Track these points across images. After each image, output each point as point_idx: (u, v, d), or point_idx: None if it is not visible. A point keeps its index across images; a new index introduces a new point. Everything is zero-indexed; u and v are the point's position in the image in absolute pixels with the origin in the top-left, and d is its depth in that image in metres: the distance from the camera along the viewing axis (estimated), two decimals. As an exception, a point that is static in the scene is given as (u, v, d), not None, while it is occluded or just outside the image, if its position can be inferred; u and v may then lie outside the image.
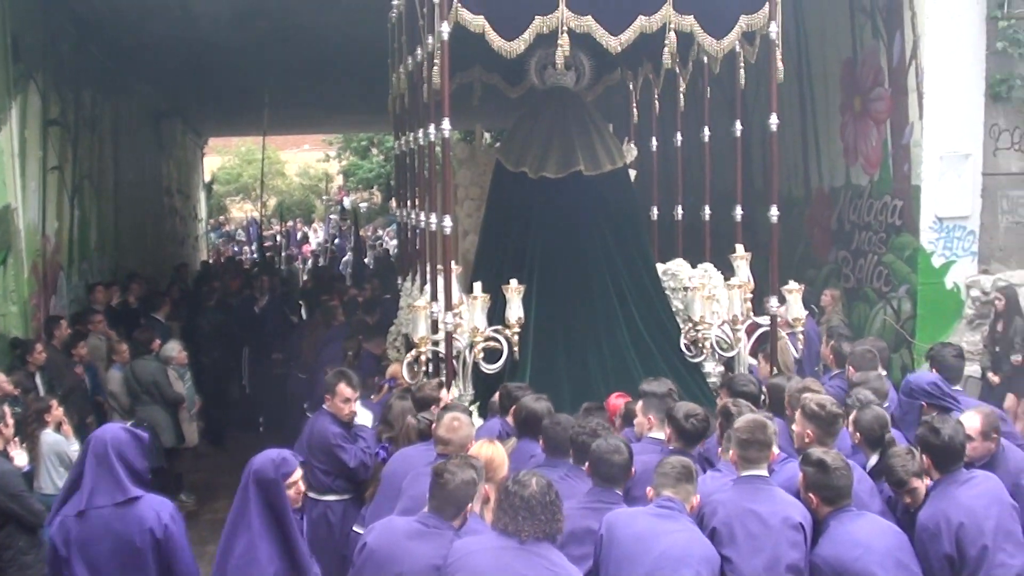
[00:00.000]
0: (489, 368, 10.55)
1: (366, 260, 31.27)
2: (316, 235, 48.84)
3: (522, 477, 6.38)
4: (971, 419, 8.12)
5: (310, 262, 38.05)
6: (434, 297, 10.67)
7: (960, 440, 7.49)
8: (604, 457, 7.29)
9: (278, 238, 42.03)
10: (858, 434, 8.25)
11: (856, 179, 15.97)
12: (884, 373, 10.39)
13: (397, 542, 6.70)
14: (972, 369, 13.65)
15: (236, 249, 43.31)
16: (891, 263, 15.06)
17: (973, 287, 14.38)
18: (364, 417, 10.05)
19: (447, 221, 10.38)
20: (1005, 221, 14.68)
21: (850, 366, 10.41)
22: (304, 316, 21.48)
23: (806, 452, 7.30)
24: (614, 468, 7.27)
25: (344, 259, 36.55)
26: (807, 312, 14.23)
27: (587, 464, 7.47)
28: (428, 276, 11.29)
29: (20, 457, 10.07)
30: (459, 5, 9.87)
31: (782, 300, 11.41)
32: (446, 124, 10.16)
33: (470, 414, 9.16)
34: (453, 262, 10.63)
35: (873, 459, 8.13)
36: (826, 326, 14.39)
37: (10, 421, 10.10)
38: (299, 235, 48.24)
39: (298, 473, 6.96)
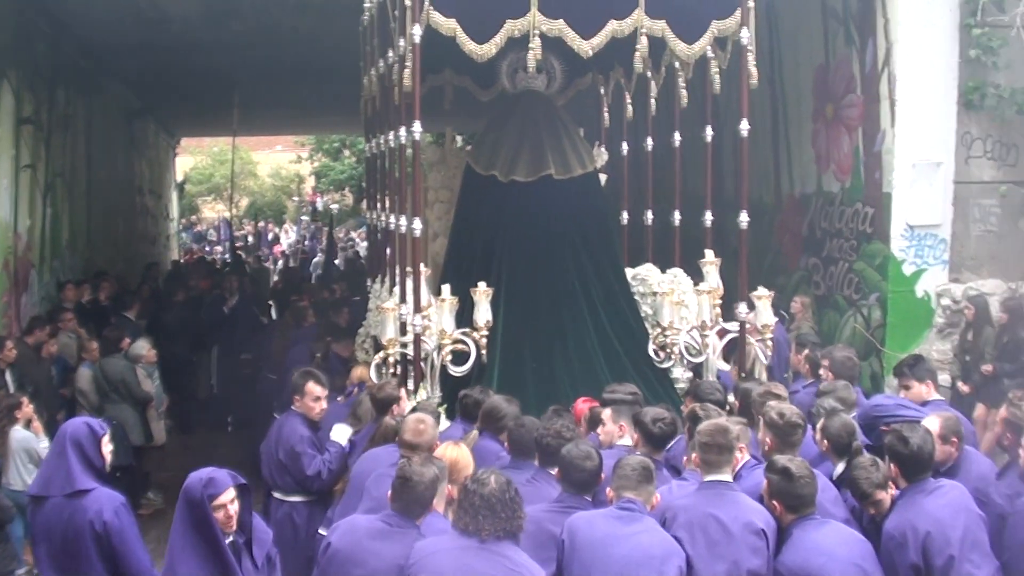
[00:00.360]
0: (457, 371, 10.54)
1: (336, 262, 31.17)
2: (287, 236, 48.73)
3: (481, 476, 6.38)
4: (930, 423, 8.13)
5: (280, 263, 37.95)
6: (403, 299, 10.64)
7: (928, 450, 7.48)
8: (575, 463, 7.26)
9: (249, 239, 41.95)
10: (825, 441, 8.25)
11: (828, 186, 15.98)
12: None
13: (360, 542, 6.72)
14: (942, 378, 13.66)
15: (207, 249, 43.19)
16: (862, 271, 15.06)
17: (944, 296, 14.39)
18: (341, 434, 9.94)
19: (416, 223, 10.37)
20: (976, 230, 14.68)
21: (830, 373, 10.42)
22: (274, 316, 21.42)
23: (771, 459, 7.29)
24: (584, 474, 7.24)
25: (315, 260, 36.51)
26: (777, 319, 14.29)
27: (557, 469, 7.46)
28: (397, 278, 11.26)
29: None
30: (431, 8, 9.87)
31: (751, 306, 11.42)
32: (416, 127, 10.18)
33: (438, 416, 9.16)
34: (422, 264, 10.64)
35: (840, 467, 8.12)
36: (796, 333, 14.41)
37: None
38: (270, 236, 48.11)
39: (227, 495, 6.65)
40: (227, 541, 6.63)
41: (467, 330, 10.61)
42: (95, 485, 7.40)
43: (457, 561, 6.16)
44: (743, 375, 10.96)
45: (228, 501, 6.63)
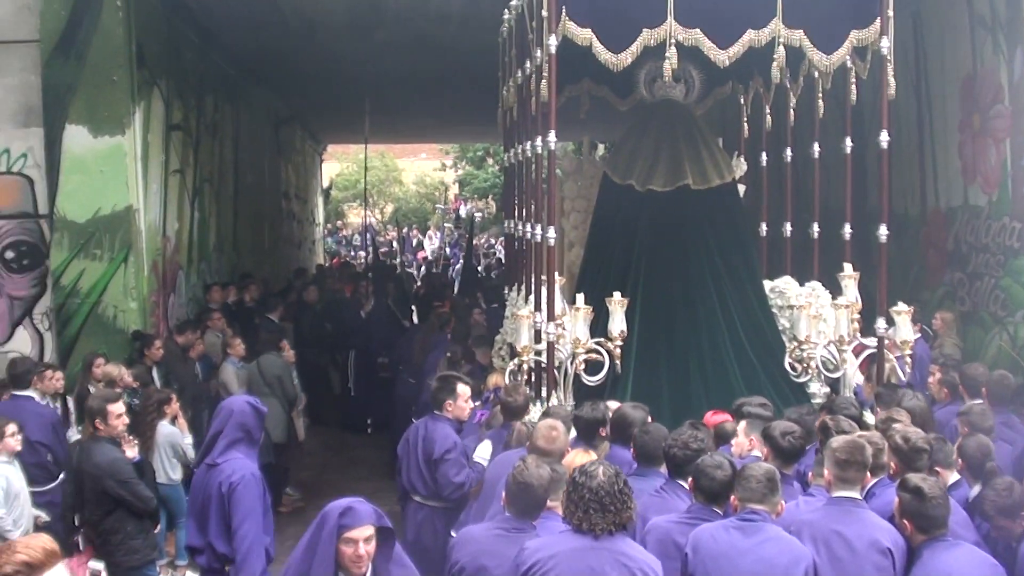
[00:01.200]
0: (591, 380, 10.55)
1: (479, 269, 31.33)
2: (431, 242, 49.13)
3: (589, 468, 6.37)
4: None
5: (423, 268, 38.26)
6: (537, 307, 10.69)
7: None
8: (706, 471, 7.20)
9: (394, 244, 42.34)
10: (960, 461, 8.11)
11: (974, 199, 15.63)
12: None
13: (483, 552, 6.79)
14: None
15: (352, 254, 43.72)
16: (1008, 287, 14.70)
17: (1093, 312, 14.06)
18: (485, 451, 9.97)
19: (551, 232, 10.41)
20: None
21: (970, 393, 10.24)
22: (416, 321, 21.63)
23: (904, 477, 7.12)
24: (715, 484, 7.15)
25: (457, 266, 36.74)
26: (919, 334, 14.04)
27: (690, 479, 7.41)
28: (532, 287, 11.31)
29: (131, 450, 10.34)
30: (567, 18, 9.92)
31: (890, 321, 11.23)
32: (552, 137, 10.24)
33: (570, 421, 9.11)
34: (556, 273, 10.66)
35: (976, 489, 7.99)
36: (938, 351, 14.16)
37: (123, 418, 10.34)
38: (414, 242, 48.55)
39: (362, 531, 6.06)
40: None
41: (601, 340, 10.62)
42: (238, 455, 8.03)
43: (576, 564, 6.17)
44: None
45: (362, 538, 6.06)
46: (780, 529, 6.85)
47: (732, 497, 7.06)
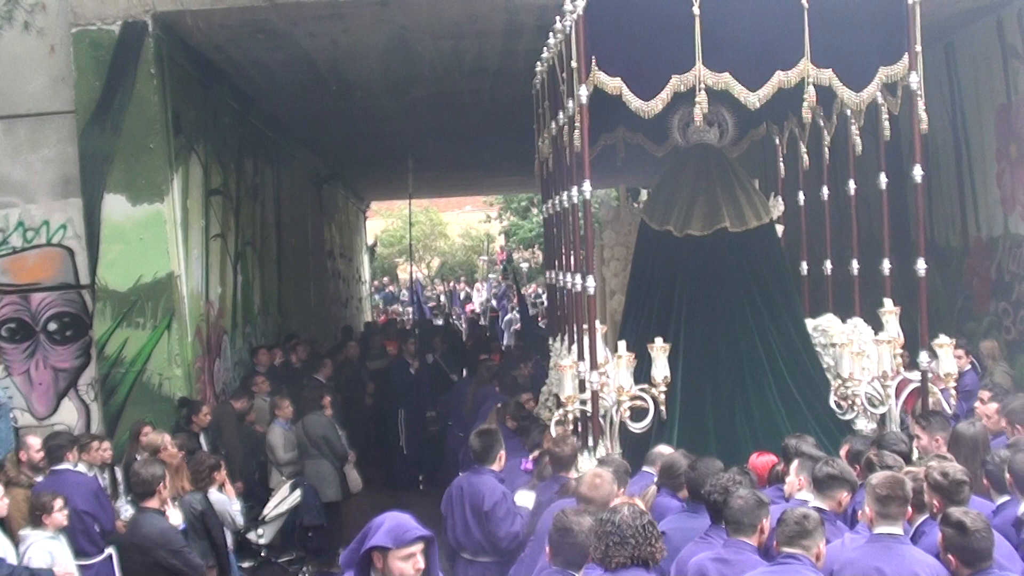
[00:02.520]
0: (636, 427, 10.55)
1: (539, 320, 31.23)
2: (479, 295, 49.18)
3: (616, 507, 6.38)
4: None
5: (468, 322, 38.24)
6: (580, 356, 10.70)
7: None
8: (728, 502, 7.28)
9: (441, 298, 42.37)
10: (1009, 476, 8.07)
11: (1015, 228, 15.59)
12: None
13: None
14: None
15: (400, 310, 43.79)
16: (1053, 314, 14.68)
17: None
18: (526, 499, 10.01)
19: (591, 281, 10.44)
20: None
21: (1014, 423, 10.16)
22: (465, 374, 21.65)
23: (946, 512, 7.07)
24: (736, 512, 7.21)
25: (507, 318, 36.72)
26: (969, 367, 13.96)
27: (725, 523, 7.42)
28: (575, 336, 11.34)
29: (175, 516, 10.41)
30: (597, 68, 10.00)
31: (933, 355, 11.18)
32: (587, 186, 10.30)
33: (627, 471, 9.09)
34: (598, 321, 10.68)
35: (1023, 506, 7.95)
36: (989, 379, 14.09)
37: (168, 483, 10.42)
38: (462, 295, 48.63)
39: (411, 548, 5.96)
40: None
41: (645, 386, 10.63)
42: None
43: None
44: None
45: (416, 552, 5.97)
46: (813, 571, 6.82)
47: (775, 542, 7.05)
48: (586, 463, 9.88)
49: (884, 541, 7.03)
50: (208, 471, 12.03)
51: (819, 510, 7.74)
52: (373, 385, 20.23)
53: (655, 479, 9.23)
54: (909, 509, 7.33)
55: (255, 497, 14.51)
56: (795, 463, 8.78)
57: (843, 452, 9.45)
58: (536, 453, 11.10)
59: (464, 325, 36.14)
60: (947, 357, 11.15)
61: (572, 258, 11.74)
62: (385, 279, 54.14)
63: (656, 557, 6.43)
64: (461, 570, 10.03)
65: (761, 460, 9.48)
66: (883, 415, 11.38)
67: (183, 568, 9.91)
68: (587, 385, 10.33)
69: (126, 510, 11.89)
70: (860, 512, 7.93)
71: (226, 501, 12.17)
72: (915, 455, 9.57)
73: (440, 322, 35.12)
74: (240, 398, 15.24)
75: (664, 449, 9.79)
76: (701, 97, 10.02)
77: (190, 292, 14.84)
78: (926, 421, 10.00)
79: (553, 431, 10.54)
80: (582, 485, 8.13)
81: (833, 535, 7.49)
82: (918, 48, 10.64)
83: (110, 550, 11.12)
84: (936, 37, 15.35)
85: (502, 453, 10.16)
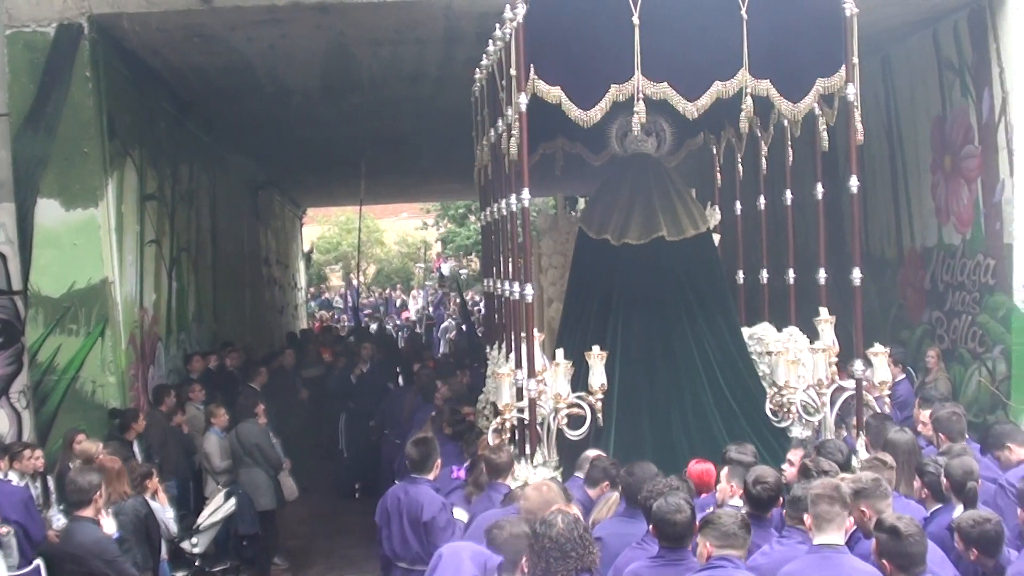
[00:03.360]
0: (573, 434, 10.55)
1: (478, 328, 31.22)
2: (415, 302, 49.06)
3: (549, 517, 6.36)
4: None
5: (405, 329, 38.17)
6: (518, 365, 10.70)
7: None
8: (666, 517, 7.22)
9: (380, 308, 42.24)
10: (946, 481, 8.15)
11: (948, 238, 15.75)
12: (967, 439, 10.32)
13: None
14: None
15: (336, 317, 43.65)
16: (985, 323, 14.80)
17: (1069, 346, 14.12)
18: (462, 515, 9.97)
19: (529, 289, 10.44)
20: (1100, 278, 14.36)
21: (938, 433, 10.27)
22: (400, 383, 21.59)
23: (879, 518, 7.13)
24: (677, 527, 7.17)
25: (443, 326, 36.67)
26: (904, 375, 14.12)
27: (651, 526, 7.44)
28: (512, 344, 11.34)
29: (109, 525, 10.29)
30: (536, 77, 10.00)
31: (867, 363, 11.28)
32: (525, 194, 10.30)
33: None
34: (536, 329, 10.68)
35: (959, 509, 8.01)
36: (930, 387, 14.29)
37: (103, 492, 10.30)
38: (398, 303, 48.51)
39: None
40: None
41: (582, 394, 10.63)
42: None
43: None
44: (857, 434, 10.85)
45: None
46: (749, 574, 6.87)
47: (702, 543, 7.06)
48: (523, 471, 9.89)
49: (822, 552, 7.03)
50: (140, 479, 11.91)
51: (750, 515, 7.82)
52: (307, 392, 20.12)
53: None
54: (849, 519, 7.33)
55: (188, 506, 14.41)
56: (726, 470, 8.86)
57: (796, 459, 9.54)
58: (469, 461, 11.12)
59: (404, 332, 36.05)
60: (881, 365, 11.27)
61: (510, 266, 11.75)
62: (322, 286, 54.01)
63: (596, 564, 6.42)
64: (396, 579, 10.01)
65: (699, 468, 9.52)
66: (818, 423, 11.47)
67: (116, 577, 9.82)
68: (525, 393, 10.31)
69: (58, 519, 11.72)
70: (785, 514, 8.00)
71: (159, 509, 12.04)
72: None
73: (375, 327, 35.08)
74: (161, 401, 15.02)
75: (592, 453, 9.84)
76: (640, 107, 10.04)
77: (124, 298, 14.65)
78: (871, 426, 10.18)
79: (490, 439, 10.55)
80: (528, 499, 8.11)
81: (763, 540, 7.55)
82: (855, 60, 10.72)
83: (38, 561, 10.94)
84: (873, 50, 15.49)
85: (438, 462, 10.14)
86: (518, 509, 8.15)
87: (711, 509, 8.30)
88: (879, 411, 11.26)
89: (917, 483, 8.79)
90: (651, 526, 7.45)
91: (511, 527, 6.79)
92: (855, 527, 7.59)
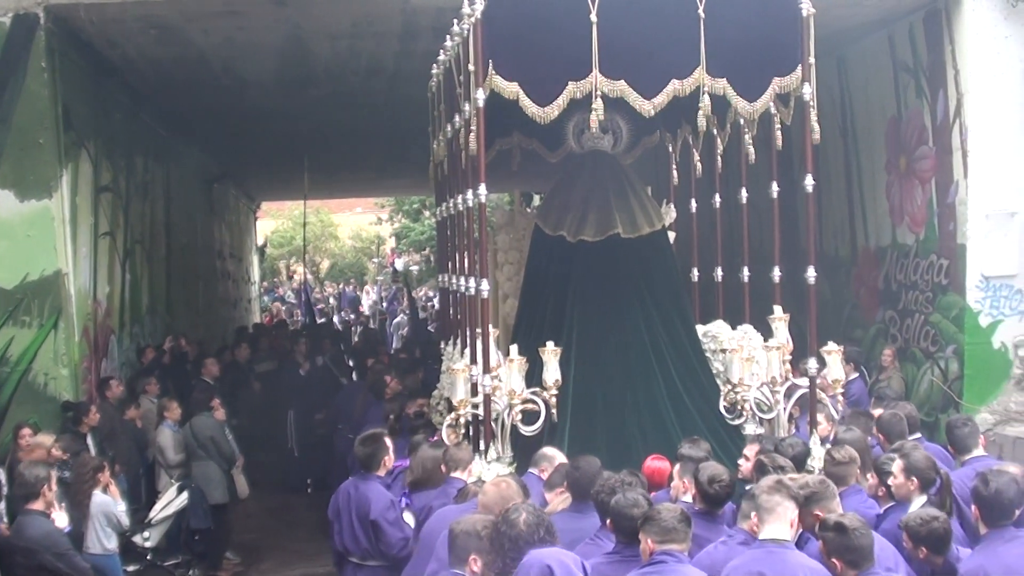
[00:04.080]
0: (527, 430, 10.54)
1: (429, 325, 31.20)
2: (368, 297, 48.96)
3: (511, 516, 6.34)
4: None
5: (360, 324, 38.06)
6: (473, 360, 10.69)
7: (1011, 495, 7.34)
8: (623, 512, 7.23)
9: (332, 300, 42.10)
10: (914, 478, 8.20)
11: (902, 238, 15.88)
12: (919, 436, 10.39)
13: None
14: (1020, 430, 13.52)
15: (291, 315, 43.50)
16: (938, 323, 14.94)
17: (1021, 347, 14.24)
18: (410, 519, 9.96)
19: (484, 285, 10.44)
20: (1054, 280, 14.50)
21: (880, 434, 10.36)
22: (354, 378, 21.54)
23: (823, 519, 7.15)
24: (633, 523, 7.14)
25: (396, 321, 36.60)
26: (857, 374, 14.20)
27: (609, 520, 7.44)
28: (467, 340, 11.33)
29: (61, 518, 10.22)
30: (494, 72, 9.99)
31: (821, 362, 11.33)
32: (482, 190, 10.28)
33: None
34: (491, 325, 10.67)
35: (919, 500, 8.08)
36: (887, 384, 14.41)
37: (54, 485, 10.23)
38: (351, 297, 48.37)
39: None
40: None
41: (536, 389, 10.62)
42: None
43: None
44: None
45: None
46: (694, 570, 6.87)
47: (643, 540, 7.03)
48: (477, 466, 9.88)
49: (767, 546, 6.98)
50: (92, 473, 11.82)
51: (704, 512, 7.85)
52: (260, 385, 20.05)
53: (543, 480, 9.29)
54: (795, 516, 7.25)
55: (139, 500, 14.33)
56: (678, 466, 8.88)
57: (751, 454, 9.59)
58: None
59: (359, 327, 35.98)
60: (835, 364, 11.32)
61: (466, 261, 11.74)
62: (275, 280, 53.79)
63: None
64: (350, 574, 9.97)
65: (653, 464, 9.55)
66: (771, 420, 11.52)
67: (67, 571, 9.74)
68: (479, 388, 10.30)
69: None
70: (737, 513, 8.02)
71: (111, 503, 11.95)
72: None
73: (323, 320, 35.01)
74: (108, 388, 14.92)
75: (549, 451, 9.80)
76: (597, 104, 10.03)
77: (78, 291, 14.57)
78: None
79: (445, 435, 10.54)
80: (486, 490, 8.11)
81: (715, 535, 7.58)
82: (811, 60, 10.74)
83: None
84: (829, 50, 15.56)
85: (387, 458, 10.09)
86: (476, 505, 8.16)
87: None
88: (831, 410, 11.30)
89: (873, 480, 8.84)
90: (608, 521, 7.44)
91: (466, 524, 6.77)
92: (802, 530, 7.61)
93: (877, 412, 11.38)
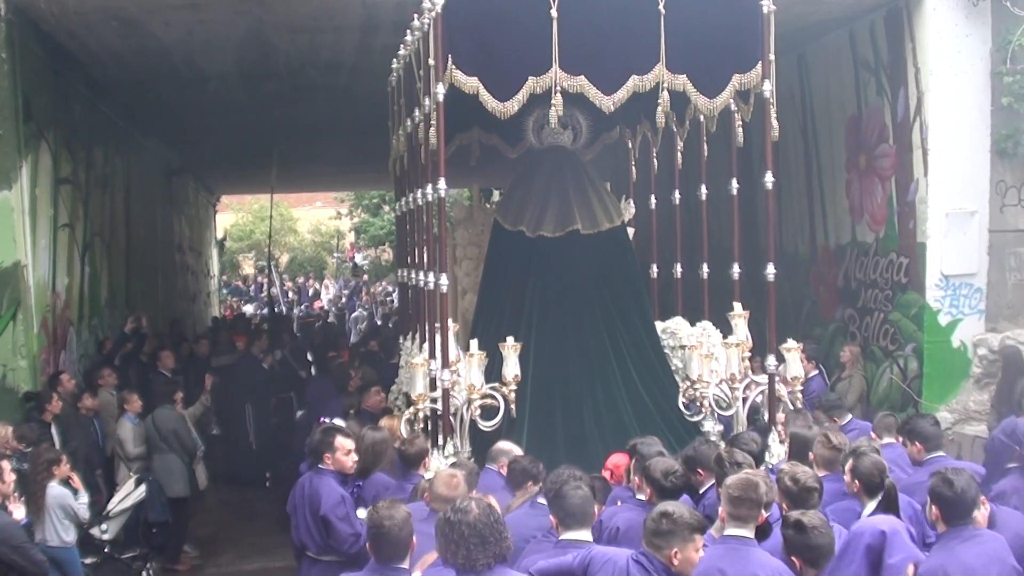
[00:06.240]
0: (486, 425, 10.54)
1: (376, 319, 31.22)
2: (327, 292, 48.82)
3: (461, 504, 6.30)
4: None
5: (320, 319, 37.97)
6: (432, 355, 10.67)
7: (972, 495, 7.38)
8: (564, 493, 7.31)
9: (290, 294, 41.96)
10: (856, 482, 8.22)
11: (862, 236, 15.92)
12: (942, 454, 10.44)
13: None
14: (979, 429, 13.57)
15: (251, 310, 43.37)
16: (897, 321, 14.98)
17: (980, 346, 14.30)
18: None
19: (443, 280, 10.44)
20: (1013, 278, 14.54)
21: (872, 433, 10.43)
22: (313, 372, 21.49)
23: (785, 515, 7.20)
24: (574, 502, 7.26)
25: (355, 315, 36.56)
26: (816, 371, 14.25)
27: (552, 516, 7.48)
28: (426, 334, 11.31)
29: (18, 511, 10.15)
30: (454, 67, 9.98)
31: (780, 359, 11.37)
32: (442, 184, 10.28)
33: (477, 474, 9.09)
34: (450, 320, 10.66)
35: (871, 506, 8.08)
36: (848, 382, 14.50)
37: (9, 477, 10.15)
38: (311, 292, 48.23)
39: None
40: None
41: (496, 385, 10.63)
42: None
43: None
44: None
45: None
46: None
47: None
48: (436, 461, 9.87)
49: (729, 543, 6.98)
50: (46, 465, 11.67)
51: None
52: (217, 379, 19.93)
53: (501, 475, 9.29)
54: (762, 511, 7.27)
55: (97, 492, 14.23)
56: (633, 462, 8.91)
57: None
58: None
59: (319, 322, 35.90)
60: (794, 361, 11.37)
61: (425, 256, 11.71)
62: (240, 273, 53.61)
63: (510, 551, 6.40)
64: (306, 568, 9.89)
65: (613, 459, 9.59)
66: (730, 417, 11.55)
67: (23, 563, 9.67)
68: (438, 383, 10.29)
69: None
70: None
71: (68, 495, 11.82)
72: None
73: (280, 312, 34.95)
74: (59, 383, 14.80)
75: (504, 445, 9.81)
76: (557, 99, 10.06)
77: (37, 282, 14.43)
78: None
79: (403, 429, 10.51)
80: (438, 484, 8.09)
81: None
82: (772, 57, 10.80)
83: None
84: (790, 47, 15.61)
85: (333, 455, 9.98)
86: (427, 500, 8.15)
87: (620, 503, 8.43)
88: (791, 407, 11.34)
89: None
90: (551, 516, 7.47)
91: (397, 516, 6.78)
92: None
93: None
